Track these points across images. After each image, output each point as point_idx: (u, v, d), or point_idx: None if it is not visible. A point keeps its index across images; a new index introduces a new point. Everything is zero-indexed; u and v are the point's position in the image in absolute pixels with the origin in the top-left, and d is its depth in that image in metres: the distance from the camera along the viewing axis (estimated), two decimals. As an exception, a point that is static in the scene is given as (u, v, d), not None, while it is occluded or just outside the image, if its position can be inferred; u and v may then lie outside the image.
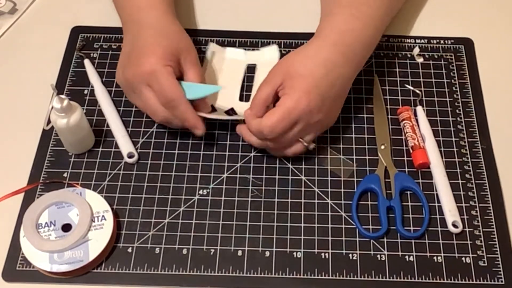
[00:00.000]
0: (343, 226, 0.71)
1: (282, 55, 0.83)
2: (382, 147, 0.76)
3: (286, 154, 0.73)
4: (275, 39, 0.85)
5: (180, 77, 0.72)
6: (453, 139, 0.77)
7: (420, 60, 0.84)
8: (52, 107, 0.69)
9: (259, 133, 0.69)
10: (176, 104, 0.69)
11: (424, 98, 0.80)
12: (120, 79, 0.73)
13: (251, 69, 0.82)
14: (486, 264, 0.68)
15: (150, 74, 0.68)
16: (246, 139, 0.72)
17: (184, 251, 0.69)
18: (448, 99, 0.80)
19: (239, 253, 0.69)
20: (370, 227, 0.71)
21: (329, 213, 0.71)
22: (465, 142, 0.76)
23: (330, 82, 0.69)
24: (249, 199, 0.72)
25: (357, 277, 0.68)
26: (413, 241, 0.70)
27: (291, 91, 0.68)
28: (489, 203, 0.72)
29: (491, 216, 0.71)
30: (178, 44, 0.72)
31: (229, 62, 0.83)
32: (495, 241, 0.69)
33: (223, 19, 0.88)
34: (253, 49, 0.84)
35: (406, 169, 0.74)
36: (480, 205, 0.72)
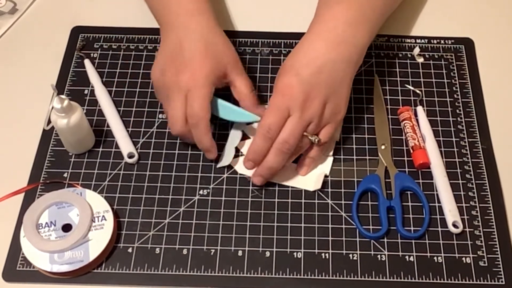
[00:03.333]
0: (343, 226, 0.71)
1: (282, 55, 0.83)
2: (383, 147, 0.76)
3: (300, 152, 0.72)
4: (275, 39, 0.85)
5: (225, 88, 0.73)
6: (454, 139, 0.77)
7: (420, 60, 0.84)
8: (52, 107, 0.69)
9: (262, 136, 0.69)
10: (198, 123, 0.69)
11: (424, 98, 0.80)
12: (157, 79, 0.72)
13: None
14: (486, 264, 0.68)
15: (191, 87, 0.69)
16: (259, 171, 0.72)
17: (185, 251, 0.69)
18: (448, 99, 0.80)
19: (240, 253, 0.69)
20: (370, 227, 0.71)
21: (329, 213, 0.71)
22: (465, 142, 0.76)
23: (314, 70, 0.69)
24: (250, 199, 0.72)
25: (357, 277, 0.68)
26: (413, 241, 0.70)
27: (276, 87, 0.70)
28: (489, 203, 0.72)
29: (491, 216, 0.71)
30: (224, 58, 0.73)
31: None
32: (495, 241, 0.69)
33: (223, 19, 0.88)
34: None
35: (407, 169, 0.74)
36: (480, 205, 0.72)
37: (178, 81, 0.70)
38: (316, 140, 0.71)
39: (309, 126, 0.70)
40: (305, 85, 0.68)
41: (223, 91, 0.74)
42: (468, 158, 0.75)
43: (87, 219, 0.67)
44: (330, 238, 0.70)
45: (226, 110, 0.73)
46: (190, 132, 0.71)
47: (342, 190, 0.73)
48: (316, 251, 0.69)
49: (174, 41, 0.72)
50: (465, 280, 0.67)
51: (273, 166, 0.71)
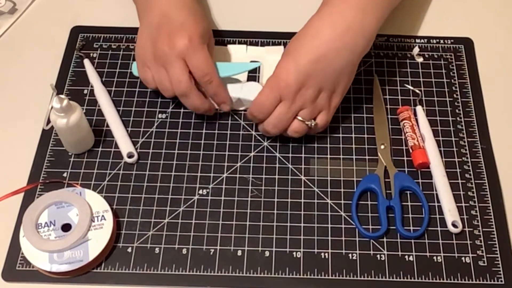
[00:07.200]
0: (343, 226, 0.71)
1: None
2: (382, 147, 0.76)
3: (288, 135, 0.73)
4: (277, 39, 0.85)
5: None
6: (453, 139, 0.77)
7: (420, 60, 0.84)
8: (52, 107, 0.69)
9: (251, 114, 0.72)
10: (211, 78, 0.72)
11: (423, 98, 0.80)
12: (146, 51, 0.74)
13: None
14: (485, 264, 0.68)
15: (190, 49, 0.71)
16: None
17: (184, 251, 0.69)
18: (448, 99, 0.80)
19: (239, 253, 0.69)
20: (370, 227, 0.71)
21: (329, 213, 0.71)
22: (464, 142, 0.76)
23: (313, 58, 0.69)
24: (249, 199, 0.72)
25: (356, 277, 0.68)
26: (412, 241, 0.70)
27: (275, 68, 0.71)
28: (488, 203, 0.72)
29: (490, 216, 0.71)
30: (208, 28, 0.76)
31: (232, 59, 0.83)
32: (494, 241, 0.69)
33: (224, 19, 0.88)
34: (255, 45, 0.84)
35: (406, 169, 0.74)
36: (480, 205, 0.72)
37: (174, 47, 0.71)
38: (313, 124, 0.72)
39: (302, 111, 0.71)
40: (300, 74, 0.69)
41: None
42: (467, 158, 0.75)
43: (86, 219, 0.67)
44: (329, 238, 0.70)
45: (223, 67, 0.75)
46: (194, 91, 0.73)
47: (342, 190, 0.73)
48: (316, 250, 0.69)
49: (159, 13, 0.74)
50: (465, 280, 0.67)
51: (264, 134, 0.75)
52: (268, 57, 0.82)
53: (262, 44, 0.85)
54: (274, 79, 0.70)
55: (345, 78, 0.72)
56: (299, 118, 0.71)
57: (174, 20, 0.73)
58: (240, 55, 0.83)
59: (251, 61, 0.82)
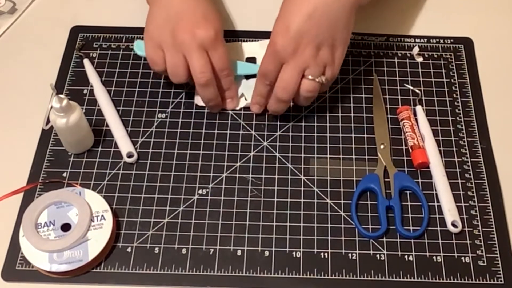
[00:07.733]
0: (343, 225, 0.71)
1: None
2: (382, 146, 0.76)
3: (301, 99, 0.74)
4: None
5: None
6: (453, 138, 0.77)
7: (419, 59, 0.84)
8: (52, 107, 0.69)
9: (261, 82, 0.73)
10: (228, 74, 0.76)
11: (423, 98, 0.80)
12: (163, 33, 0.73)
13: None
14: (485, 264, 0.68)
15: (214, 40, 0.73)
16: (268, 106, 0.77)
17: (184, 251, 0.69)
18: (447, 99, 0.80)
19: (239, 252, 0.69)
20: (370, 226, 0.71)
21: (329, 213, 0.71)
22: (464, 141, 0.76)
23: (304, 17, 0.69)
24: (249, 198, 0.72)
25: (356, 276, 0.68)
26: (412, 240, 0.70)
27: (271, 34, 0.71)
28: (488, 203, 0.72)
29: (490, 215, 0.71)
30: (223, 24, 0.77)
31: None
32: (494, 240, 0.69)
33: (222, 19, 0.87)
34: (249, 40, 0.85)
35: (406, 169, 0.74)
36: (480, 204, 0.72)
37: (198, 37, 0.72)
38: (323, 80, 0.72)
39: (308, 70, 0.70)
40: (293, 34, 0.69)
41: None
42: (467, 158, 0.75)
43: (86, 219, 0.67)
44: (329, 238, 0.70)
45: (236, 65, 0.78)
46: (214, 83, 0.75)
47: (341, 190, 0.73)
48: (315, 250, 0.69)
49: (178, 2, 0.74)
50: (464, 280, 0.67)
51: (277, 111, 0.75)
52: (262, 51, 0.82)
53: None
54: (270, 45, 0.71)
55: (341, 30, 0.71)
56: (309, 77, 0.71)
57: (197, 11, 0.74)
58: (237, 51, 0.83)
59: (247, 57, 0.82)
